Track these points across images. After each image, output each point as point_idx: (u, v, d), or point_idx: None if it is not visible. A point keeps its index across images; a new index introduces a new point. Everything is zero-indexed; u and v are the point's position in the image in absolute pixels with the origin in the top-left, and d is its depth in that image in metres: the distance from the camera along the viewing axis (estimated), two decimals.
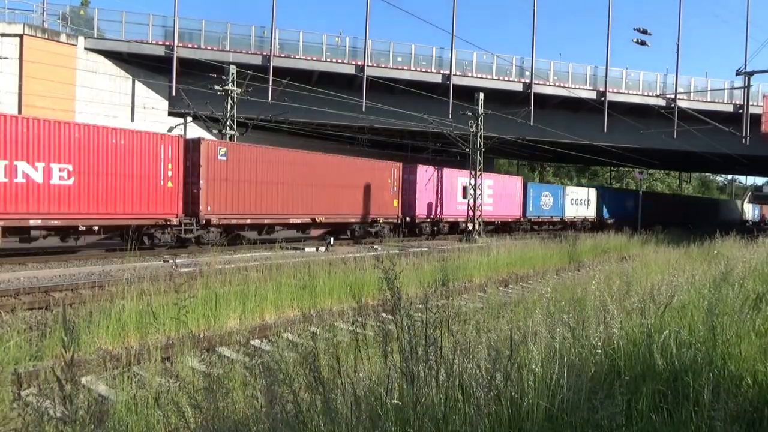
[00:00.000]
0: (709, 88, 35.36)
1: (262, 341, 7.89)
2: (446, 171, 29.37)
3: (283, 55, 28.16)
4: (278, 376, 2.56)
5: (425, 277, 12.07)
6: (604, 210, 42.38)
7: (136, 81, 27.25)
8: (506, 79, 32.15)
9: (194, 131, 27.56)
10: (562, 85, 32.83)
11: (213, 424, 2.31)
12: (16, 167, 13.91)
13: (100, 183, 15.57)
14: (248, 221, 19.51)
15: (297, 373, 2.84)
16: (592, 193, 43.04)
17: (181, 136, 19.21)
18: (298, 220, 21.35)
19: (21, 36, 23.06)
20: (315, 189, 21.66)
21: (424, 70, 30.68)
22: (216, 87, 23.68)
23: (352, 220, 23.87)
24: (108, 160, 15.73)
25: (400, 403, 2.67)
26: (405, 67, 30.33)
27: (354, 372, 2.86)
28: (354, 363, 2.95)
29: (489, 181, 31.75)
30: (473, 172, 28.05)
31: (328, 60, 28.98)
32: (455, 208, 29.34)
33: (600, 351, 3.60)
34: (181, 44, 26.79)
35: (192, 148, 17.92)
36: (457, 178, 29.81)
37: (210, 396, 2.40)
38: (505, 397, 2.83)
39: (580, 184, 64.07)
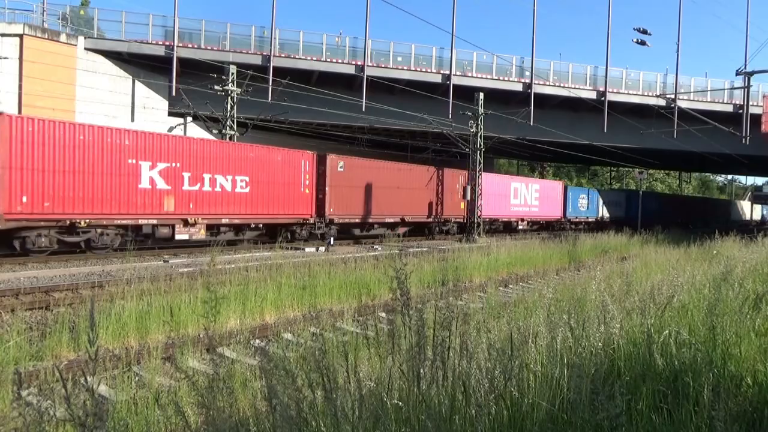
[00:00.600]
0: (709, 88, 35.36)
1: (262, 341, 7.89)
2: (500, 177, 35.50)
3: (283, 55, 28.16)
4: (281, 374, 2.56)
5: (425, 277, 12.08)
6: (631, 210, 45.64)
7: (136, 81, 27.24)
8: (506, 79, 32.14)
9: (194, 131, 27.58)
10: (562, 85, 32.82)
11: (215, 423, 2.31)
12: (215, 179, 18.48)
13: (264, 190, 20.12)
14: (357, 221, 24.15)
15: (299, 372, 2.84)
16: (622, 195, 48.10)
17: (314, 152, 22.62)
18: (392, 220, 25.82)
19: (21, 36, 23.05)
20: (403, 193, 25.93)
21: (424, 70, 30.68)
22: (216, 87, 23.68)
23: (430, 220, 28.02)
24: (270, 173, 20.30)
25: (400, 403, 2.67)
26: (405, 67, 30.32)
27: (354, 372, 2.85)
28: (354, 362, 2.95)
29: (536, 185, 37.22)
30: (471, 173, 28.08)
31: (328, 60, 28.97)
32: (509, 209, 34.45)
33: (600, 351, 3.60)
34: (181, 44, 26.78)
35: (319, 161, 22.29)
36: (510, 183, 35.12)
37: (212, 395, 2.40)
38: (506, 397, 2.83)
39: (580, 185, 64.20)
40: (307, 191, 21.70)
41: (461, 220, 29.79)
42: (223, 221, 18.95)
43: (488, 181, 31.53)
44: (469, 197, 28.49)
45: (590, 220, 41.93)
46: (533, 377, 3.11)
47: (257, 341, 7.85)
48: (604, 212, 43.33)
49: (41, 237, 14.93)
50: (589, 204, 41.93)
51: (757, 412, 3.30)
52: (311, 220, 21.90)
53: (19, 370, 5.45)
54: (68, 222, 15.14)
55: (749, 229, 32.41)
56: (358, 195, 23.79)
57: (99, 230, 15.98)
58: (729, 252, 12.00)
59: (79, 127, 15.42)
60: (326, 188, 22.21)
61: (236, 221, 19.41)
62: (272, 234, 20.76)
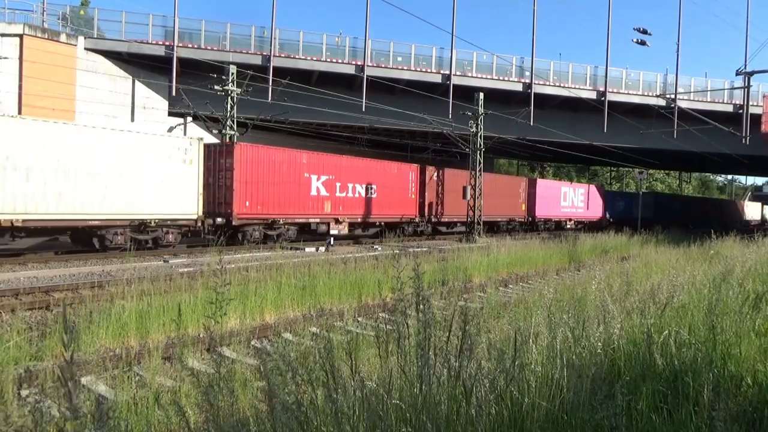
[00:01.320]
0: (709, 88, 35.36)
1: (262, 341, 7.90)
2: (552, 182, 41.51)
3: (283, 55, 28.16)
4: (283, 371, 2.56)
5: (425, 277, 12.04)
6: (658, 211, 51.08)
7: (136, 81, 27.24)
8: (506, 79, 32.15)
9: (194, 131, 27.58)
10: (562, 85, 32.82)
11: (216, 422, 2.31)
12: (355, 187, 23.85)
13: (386, 195, 25.35)
14: (445, 219, 29.06)
15: (301, 371, 2.84)
16: (650, 197, 52.23)
17: (418, 164, 27.91)
18: (463, 219, 29.74)
19: (21, 36, 23.06)
20: (487, 198, 29.55)
21: (424, 70, 30.68)
22: (216, 87, 23.67)
23: (501, 220, 33.77)
24: (389, 181, 25.68)
25: (402, 403, 2.67)
26: (405, 67, 30.32)
27: (357, 371, 2.85)
28: (354, 362, 2.95)
29: (581, 189, 42.34)
30: (473, 173, 28.08)
31: (328, 60, 28.97)
32: (560, 210, 38.90)
33: (600, 351, 3.60)
34: (181, 44, 26.78)
35: (420, 171, 27.67)
36: (561, 188, 39.77)
37: (213, 395, 2.40)
38: (506, 397, 2.83)
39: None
40: (412, 196, 27.28)
41: (522, 220, 35.48)
42: (358, 220, 24.46)
43: (542, 185, 37.47)
44: (468, 197, 28.57)
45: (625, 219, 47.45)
46: (533, 377, 3.11)
47: (257, 341, 7.85)
48: (636, 213, 47.09)
49: (255, 231, 20.08)
50: (625, 205, 47.29)
51: (757, 412, 3.30)
52: (416, 220, 27.52)
53: (20, 370, 5.43)
54: (271, 220, 20.58)
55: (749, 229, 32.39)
56: (451, 199, 29.09)
57: (287, 227, 21.36)
58: (729, 252, 12.01)
59: (274, 150, 20.97)
60: (425, 193, 28.05)
61: (368, 220, 24.94)
62: (388, 230, 26.25)
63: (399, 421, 2.62)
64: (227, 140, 22.82)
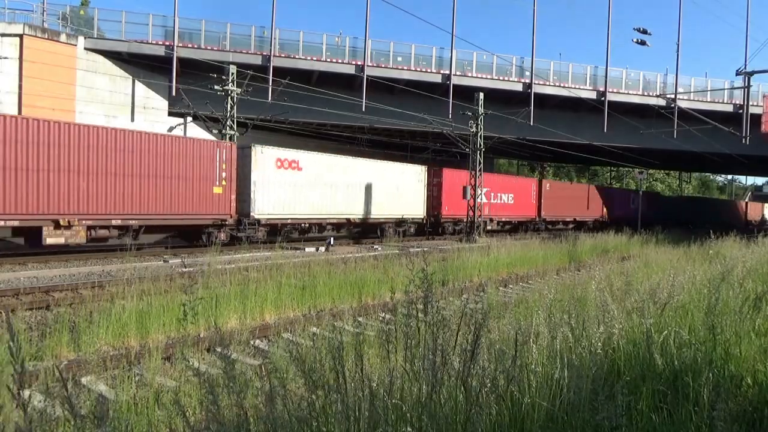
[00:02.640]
0: (709, 88, 35.35)
1: (262, 341, 7.90)
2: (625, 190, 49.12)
3: (283, 55, 28.15)
4: (284, 372, 2.56)
5: (420, 276, 12.03)
6: (693, 212, 56.76)
7: (136, 81, 27.24)
8: (506, 79, 32.14)
9: (194, 131, 27.57)
10: (562, 85, 32.82)
11: (218, 422, 2.31)
12: (502, 196, 33.47)
13: (519, 201, 35.06)
14: (494, 219, 33.57)
15: (302, 371, 2.84)
16: (680, 200, 59.91)
17: (537, 178, 37.77)
18: (524, 218, 36.36)
19: (21, 36, 23.04)
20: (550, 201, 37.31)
21: (424, 70, 30.67)
22: (216, 87, 23.66)
23: (524, 220, 36.93)
24: (519, 190, 35.14)
25: (401, 402, 2.67)
26: (405, 67, 30.32)
27: (362, 372, 2.85)
28: (354, 362, 2.95)
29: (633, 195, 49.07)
30: (473, 173, 28.08)
31: (328, 60, 28.97)
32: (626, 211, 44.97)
33: (600, 351, 3.60)
34: (181, 44, 26.77)
35: (539, 183, 37.74)
36: (630, 194, 47.46)
37: (215, 395, 2.40)
38: (507, 397, 2.84)
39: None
40: (534, 201, 36.59)
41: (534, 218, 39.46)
42: (503, 219, 33.75)
43: (617, 192, 46.59)
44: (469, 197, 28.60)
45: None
46: (534, 377, 3.11)
47: (258, 341, 7.85)
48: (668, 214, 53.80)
49: (450, 226, 29.55)
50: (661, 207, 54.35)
51: (757, 412, 3.30)
52: (536, 219, 36.67)
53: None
54: (457, 219, 29.35)
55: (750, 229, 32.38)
56: (563, 205, 38.26)
57: (462, 224, 29.34)
58: (729, 252, 12.01)
59: (461, 173, 29.77)
60: (541, 200, 36.58)
61: (507, 219, 34.12)
62: (517, 227, 35.14)
63: (399, 421, 2.62)
64: (227, 140, 22.83)
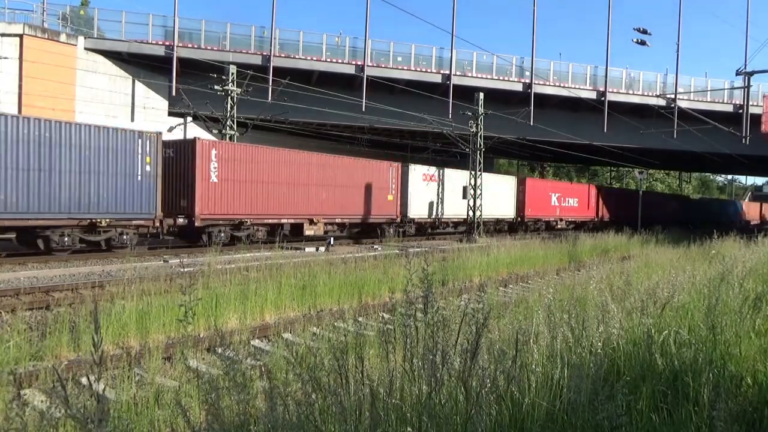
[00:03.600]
0: (709, 88, 35.35)
1: (262, 341, 7.90)
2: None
3: (283, 55, 28.15)
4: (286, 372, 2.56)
5: (419, 276, 12.02)
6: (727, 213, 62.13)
7: (136, 81, 27.24)
8: (506, 79, 32.14)
9: (194, 131, 27.57)
10: (562, 85, 32.82)
11: (219, 421, 2.31)
12: (569, 200, 38.49)
13: (582, 204, 40.37)
14: (563, 219, 38.54)
15: (303, 371, 2.84)
16: (707, 201, 65.30)
17: (589, 184, 43.98)
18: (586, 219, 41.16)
19: (21, 36, 23.04)
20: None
21: (424, 70, 30.67)
22: (216, 87, 23.67)
23: (586, 220, 40.69)
24: (580, 195, 40.22)
25: (401, 403, 2.67)
26: (405, 67, 30.32)
27: (363, 373, 2.86)
28: (354, 363, 2.96)
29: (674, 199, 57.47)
30: (473, 173, 28.08)
31: (328, 60, 28.97)
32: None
33: (600, 351, 3.60)
34: (181, 44, 26.77)
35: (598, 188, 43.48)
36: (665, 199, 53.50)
37: (216, 394, 2.40)
38: (507, 397, 2.84)
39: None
40: (593, 204, 40.92)
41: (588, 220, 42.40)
42: (570, 219, 38.39)
43: (651, 198, 46.35)
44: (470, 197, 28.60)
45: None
46: (534, 377, 3.11)
47: (258, 341, 7.85)
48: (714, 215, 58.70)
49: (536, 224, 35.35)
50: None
51: (757, 412, 3.30)
52: (595, 219, 40.80)
53: (19, 370, 5.43)
54: (537, 219, 34.95)
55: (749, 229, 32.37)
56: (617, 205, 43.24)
57: (540, 223, 34.86)
58: (728, 252, 12.00)
59: (543, 182, 38.15)
60: (599, 203, 42.07)
61: (572, 220, 38.69)
62: (581, 225, 38.34)
63: (399, 420, 2.62)
64: (227, 140, 22.84)
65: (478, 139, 27.80)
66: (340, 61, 29.18)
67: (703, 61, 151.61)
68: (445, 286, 11.83)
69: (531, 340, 3.59)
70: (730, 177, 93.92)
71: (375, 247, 22.08)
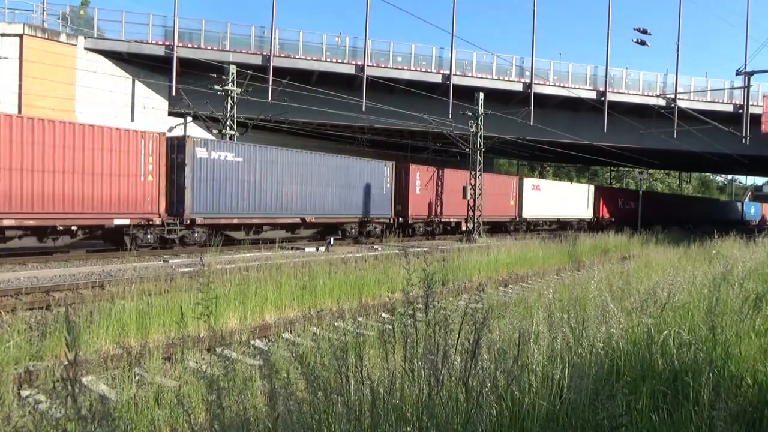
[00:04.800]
0: (709, 88, 35.34)
1: (263, 341, 7.90)
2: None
3: (283, 55, 28.14)
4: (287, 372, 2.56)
5: (419, 276, 12.02)
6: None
7: (136, 81, 27.23)
8: (506, 79, 32.13)
9: (194, 131, 27.55)
10: (562, 85, 32.81)
11: (221, 422, 2.31)
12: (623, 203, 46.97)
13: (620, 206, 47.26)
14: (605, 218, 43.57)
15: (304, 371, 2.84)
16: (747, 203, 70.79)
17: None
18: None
19: (21, 36, 23.03)
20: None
21: (424, 70, 30.66)
22: (216, 87, 23.66)
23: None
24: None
25: (401, 402, 2.67)
26: (405, 67, 30.30)
27: (362, 372, 2.86)
28: (354, 363, 2.96)
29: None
30: (473, 173, 28.08)
31: (328, 60, 28.95)
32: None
33: (600, 351, 3.60)
34: (181, 44, 26.76)
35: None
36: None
37: (217, 394, 2.41)
38: (507, 397, 2.84)
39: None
40: (633, 205, 43.39)
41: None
42: (613, 219, 41.75)
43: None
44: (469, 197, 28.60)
45: (755, 222, 66.68)
46: (534, 377, 3.11)
47: (258, 341, 7.85)
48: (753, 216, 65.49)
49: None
50: (755, 211, 67.29)
51: (757, 412, 3.30)
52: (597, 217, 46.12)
53: (19, 371, 5.43)
54: (607, 220, 41.76)
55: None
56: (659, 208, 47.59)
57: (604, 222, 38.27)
58: (729, 252, 12.01)
59: (612, 191, 46.83)
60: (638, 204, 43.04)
61: (611, 219, 42.33)
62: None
63: (399, 421, 2.62)
64: (227, 140, 22.84)
65: (478, 139, 27.80)
66: (340, 61, 29.17)
67: (703, 61, 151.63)
68: (445, 286, 11.83)
69: (531, 340, 3.59)
70: (730, 177, 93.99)
71: (375, 247, 22.07)
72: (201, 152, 18.03)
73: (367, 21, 29.88)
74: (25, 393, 5.49)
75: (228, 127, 23.82)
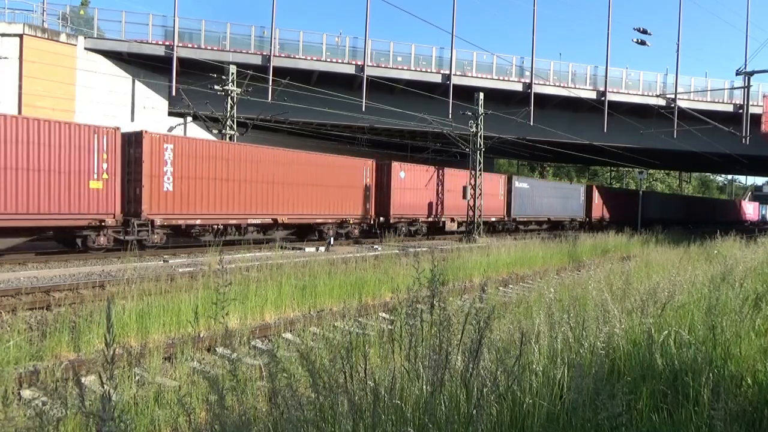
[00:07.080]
0: (709, 88, 35.35)
1: (263, 341, 7.90)
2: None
3: (283, 55, 28.14)
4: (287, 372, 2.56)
5: (426, 276, 12.04)
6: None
7: (136, 81, 27.23)
8: (506, 79, 32.13)
9: (194, 131, 27.57)
10: (562, 85, 32.81)
11: (220, 421, 2.32)
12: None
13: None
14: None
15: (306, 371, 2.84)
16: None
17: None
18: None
19: (21, 36, 23.03)
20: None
21: (424, 70, 30.66)
22: (216, 87, 23.66)
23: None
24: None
25: (401, 402, 2.67)
26: (405, 67, 30.31)
27: (365, 372, 2.86)
28: (366, 364, 2.96)
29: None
30: (473, 173, 28.08)
31: (328, 60, 28.96)
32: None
33: (601, 351, 3.60)
34: (181, 44, 26.76)
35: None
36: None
37: (219, 394, 2.41)
38: (508, 397, 2.84)
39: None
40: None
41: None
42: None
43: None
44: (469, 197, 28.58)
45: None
46: (534, 377, 3.12)
47: (258, 341, 7.85)
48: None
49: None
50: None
51: (757, 412, 3.31)
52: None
53: (19, 370, 5.44)
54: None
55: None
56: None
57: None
58: (729, 252, 12.01)
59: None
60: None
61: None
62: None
63: (400, 421, 2.62)
64: (227, 140, 22.85)
65: (478, 139, 27.80)
66: (340, 61, 29.17)
67: (703, 61, 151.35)
68: (446, 286, 11.83)
69: (532, 340, 3.59)
70: (730, 177, 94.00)
71: (375, 247, 22.07)
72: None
73: (367, 21, 29.91)
74: (25, 393, 5.49)
75: (228, 127, 23.82)
